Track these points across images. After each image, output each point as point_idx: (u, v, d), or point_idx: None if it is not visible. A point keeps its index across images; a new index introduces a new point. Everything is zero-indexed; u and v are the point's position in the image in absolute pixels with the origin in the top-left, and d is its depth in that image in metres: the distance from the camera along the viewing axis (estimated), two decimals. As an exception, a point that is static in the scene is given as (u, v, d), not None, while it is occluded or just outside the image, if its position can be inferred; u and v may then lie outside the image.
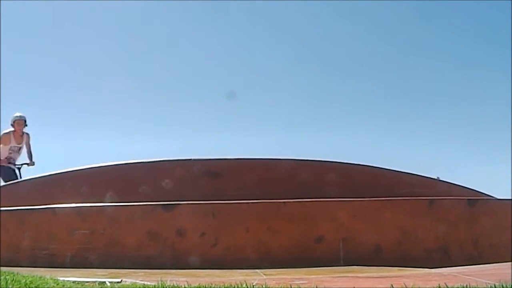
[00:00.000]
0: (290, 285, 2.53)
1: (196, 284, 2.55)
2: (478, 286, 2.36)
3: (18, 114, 7.67)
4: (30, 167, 7.69)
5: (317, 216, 3.82)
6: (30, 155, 7.79)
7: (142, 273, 3.14)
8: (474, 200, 4.38)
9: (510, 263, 3.45)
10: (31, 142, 7.81)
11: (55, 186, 4.76)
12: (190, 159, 4.85)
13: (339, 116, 14.65)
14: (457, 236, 4.06)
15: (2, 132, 7.56)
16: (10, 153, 7.57)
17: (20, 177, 7.33)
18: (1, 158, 7.45)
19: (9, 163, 7.52)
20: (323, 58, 14.92)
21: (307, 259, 3.65)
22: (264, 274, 3.08)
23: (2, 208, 3.89)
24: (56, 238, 3.76)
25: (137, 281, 2.75)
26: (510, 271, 2.74)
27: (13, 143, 7.57)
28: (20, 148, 7.67)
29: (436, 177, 5.52)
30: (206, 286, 2.50)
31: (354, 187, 4.48)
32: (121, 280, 2.75)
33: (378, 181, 4.62)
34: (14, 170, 7.56)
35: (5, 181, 7.06)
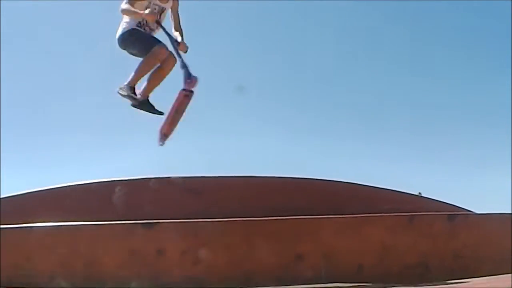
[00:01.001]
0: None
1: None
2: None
3: None
4: (181, 52, 4.65)
5: (298, 233, 3.81)
6: (180, 32, 4.83)
7: (121, 293, 3.10)
8: (454, 215, 4.42)
9: (489, 277, 3.49)
10: (179, 12, 4.91)
11: (37, 204, 4.69)
12: (171, 177, 4.83)
13: (321, 130, 14.72)
14: (438, 251, 4.08)
15: None
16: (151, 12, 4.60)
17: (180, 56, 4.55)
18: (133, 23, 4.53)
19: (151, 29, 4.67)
20: (308, 73, 15.02)
21: (288, 277, 3.63)
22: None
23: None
24: (33, 258, 3.69)
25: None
26: (489, 285, 2.76)
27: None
28: (163, 11, 4.73)
29: (418, 193, 5.57)
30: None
31: (337, 203, 4.48)
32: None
33: (360, 197, 4.64)
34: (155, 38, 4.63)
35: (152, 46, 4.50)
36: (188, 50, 4.73)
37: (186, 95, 4.57)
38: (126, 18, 4.67)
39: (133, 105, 4.63)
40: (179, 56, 4.57)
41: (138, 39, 4.62)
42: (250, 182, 4.62)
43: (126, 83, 4.66)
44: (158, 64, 4.55)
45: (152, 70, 4.59)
